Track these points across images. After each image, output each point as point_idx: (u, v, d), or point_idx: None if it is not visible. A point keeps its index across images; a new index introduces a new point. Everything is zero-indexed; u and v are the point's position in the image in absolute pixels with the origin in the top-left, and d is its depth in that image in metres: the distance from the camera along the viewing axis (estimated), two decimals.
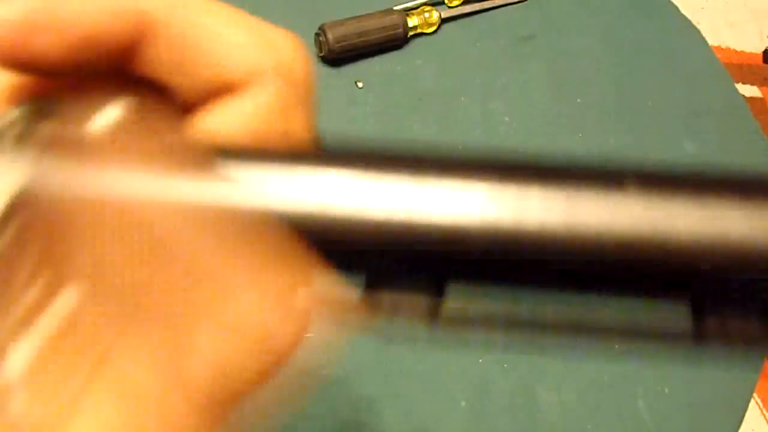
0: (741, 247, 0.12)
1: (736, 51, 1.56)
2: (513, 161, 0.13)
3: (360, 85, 0.56)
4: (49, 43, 0.11)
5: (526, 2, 0.61)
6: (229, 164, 0.13)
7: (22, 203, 0.11)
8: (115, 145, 0.11)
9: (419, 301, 0.14)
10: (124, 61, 0.12)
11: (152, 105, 0.12)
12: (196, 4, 0.13)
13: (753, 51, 1.57)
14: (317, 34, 0.56)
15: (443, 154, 0.14)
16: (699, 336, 0.14)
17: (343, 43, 0.55)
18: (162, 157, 0.11)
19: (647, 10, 0.61)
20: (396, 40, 0.57)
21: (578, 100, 0.56)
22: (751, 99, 1.49)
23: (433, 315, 0.14)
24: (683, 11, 0.62)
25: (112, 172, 0.11)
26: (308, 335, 0.12)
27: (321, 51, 0.56)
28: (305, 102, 0.15)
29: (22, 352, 0.10)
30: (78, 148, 0.11)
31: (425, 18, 0.58)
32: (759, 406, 1.10)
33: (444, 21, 0.59)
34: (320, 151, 0.15)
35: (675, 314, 0.13)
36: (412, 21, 0.57)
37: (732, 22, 1.61)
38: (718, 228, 0.12)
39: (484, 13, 0.61)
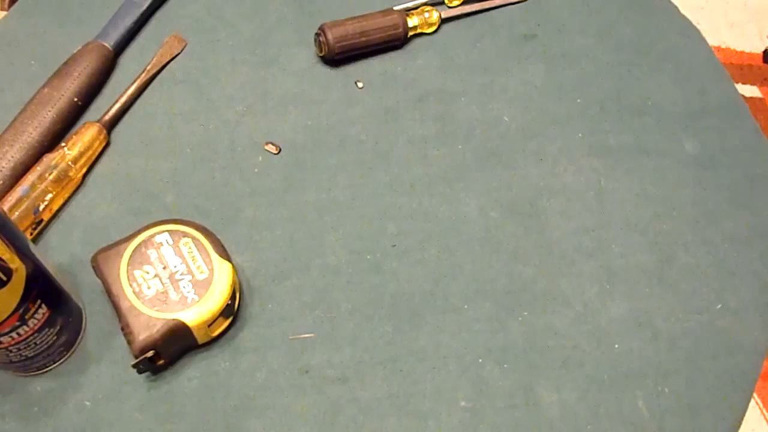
0: None
1: (736, 51, 1.56)
2: None
3: (360, 85, 0.56)
4: None
5: (526, 2, 0.61)
6: None
7: None
8: None
9: None
10: None
11: None
12: None
13: (753, 51, 1.57)
14: (317, 34, 0.56)
15: None
16: None
17: (343, 43, 0.55)
18: None
19: (647, 10, 0.61)
20: (396, 40, 0.57)
21: (578, 100, 0.56)
22: (751, 99, 1.49)
23: None
24: (683, 11, 0.62)
25: None
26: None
27: (321, 51, 0.56)
28: None
29: None
30: None
31: (425, 18, 0.58)
32: (759, 406, 1.10)
33: (444, 21, 0.59)
34: None
35: None
36: (412, 21, 0.57)
37: (732, 22, 1.61)
38: None
39: (484, 13, 0.61)
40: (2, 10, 1.24)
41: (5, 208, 0.45)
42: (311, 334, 0.44)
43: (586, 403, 0.43)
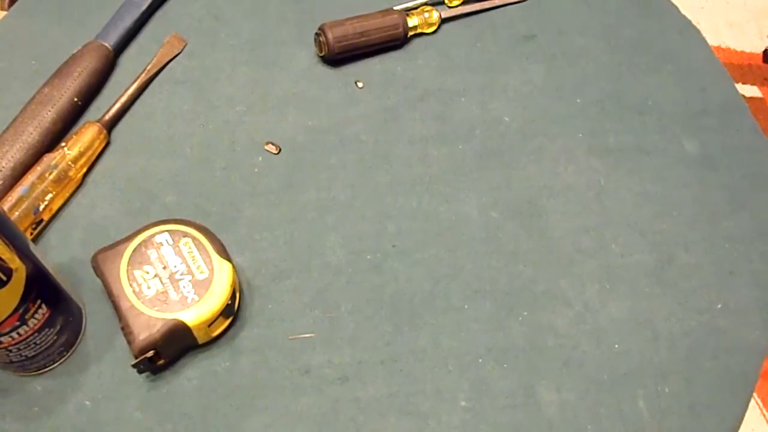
0: None
1: (736, 51, 1.56)
2: None
3: (360, 85, 0.56)
4: None
5: (526, 2, 0.61)
6: None
7: None
8: None
9: None
10: None
11: None
12: None
13: (753, 51, 1.57)
14: (317, 34, 0.56)
15: None
16: None
17: (343, 43, 0.55)
18: None
19: (647, 10, 0.61)
20: (396, 40, 0.57)
21: (578, 100, 0.56)
22: (751, 99, 1.49)
23: None
24: (683, 11, 0.62)
25: None
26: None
27: (321, 51, 0.56)
28: None
29: None
30: None
31: (425, 18, 0.58)
32: (759, 406, 1.10)
33: (444, 21, 0.59)
34: None
35: None
36: (412, 21, 0.57)
37: (732, 22, 1.61)
38: None
39: (484, 13, 0.61)
40: (2, 10, 1.24)
41: (5, 208, 0.45)
42: (311, 334, 0.44)
43: (586, 403, 0.43)
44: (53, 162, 0.47)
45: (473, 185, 0.51)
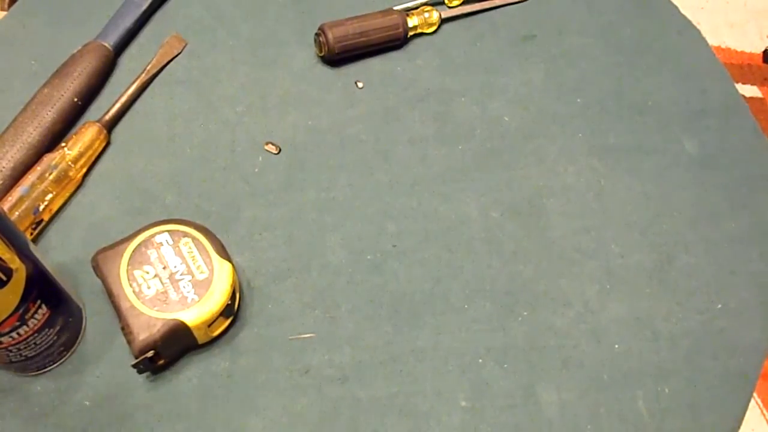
0: None
1: (736, 51, 1.56)
2: None
3: (360, 85, 0.56)
4: None
5: (526, 2, 0.61)
6: None
7: None
8: None
9: None
10: None
11: None
12: None
13: (753, 51, 1.57)
14: (317, 34, 0.56)
15: None
16: None
17: (343, 43, 0.55)
18: None
19: (647, 10, 0.61)
20: (396, 40, 0.57)
21: (578, 100, 0.56)
22: (751, 99, 1.48)
23: None
24: (683, 11, 0.62)
25: None
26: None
27: (321, 51, 0.56)
28: None
29: None
30: None
31: (425, 18, 0.58)
32: (759, 406, 1.10)
33: (444, 21, 0.59)
34: None
35: None
36: (412, 21, 0.57)
37: (732, 22, 1.61)
38: None
39: (484, 13, 0.61)
40: (2, 10, 1.24)
41: (5, 208, 0.45)
42: (311, 334, 0.44)
43: (586, 403, 0.43)
44: (53, 162, 0.47)
45: (473, 185, 0.51)
